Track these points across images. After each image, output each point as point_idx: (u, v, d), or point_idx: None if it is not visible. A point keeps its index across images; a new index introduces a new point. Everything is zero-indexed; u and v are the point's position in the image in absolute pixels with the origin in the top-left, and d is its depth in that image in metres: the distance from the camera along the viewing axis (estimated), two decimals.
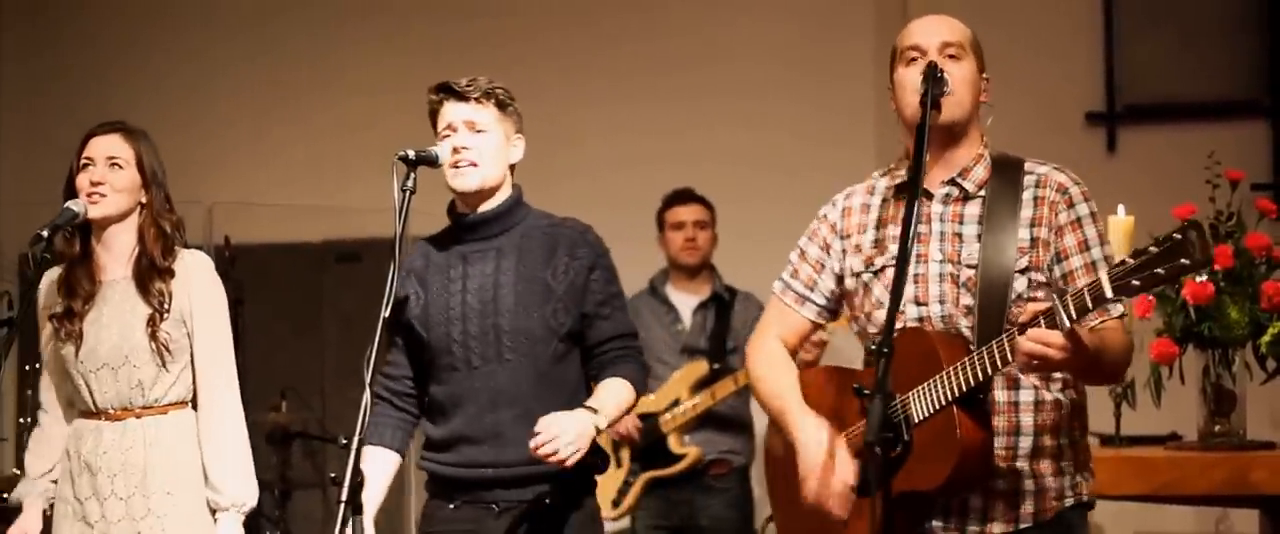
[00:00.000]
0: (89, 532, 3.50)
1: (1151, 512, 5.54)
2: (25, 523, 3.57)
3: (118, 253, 3.55)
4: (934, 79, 2.94)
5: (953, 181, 3.06)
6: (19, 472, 5.29)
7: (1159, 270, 2.63)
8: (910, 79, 3.01)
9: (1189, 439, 4.44)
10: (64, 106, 7.17)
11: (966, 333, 2.99)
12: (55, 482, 3.60)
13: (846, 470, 3.02)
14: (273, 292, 6.52)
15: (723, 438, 5.43)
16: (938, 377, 2.89)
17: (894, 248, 3.06)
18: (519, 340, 3.37)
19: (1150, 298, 4.18)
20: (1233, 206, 4.32)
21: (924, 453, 2.92)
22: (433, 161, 3.30)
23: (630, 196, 5.81)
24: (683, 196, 5.65)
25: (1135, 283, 2.65)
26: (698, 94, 6.80)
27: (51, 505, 3.59)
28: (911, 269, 3.01)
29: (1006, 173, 3.06)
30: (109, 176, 3.49)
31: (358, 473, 2.94)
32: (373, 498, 3.37)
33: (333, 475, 2.98)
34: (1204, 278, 4.09)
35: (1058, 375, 2.97)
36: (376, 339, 3.01)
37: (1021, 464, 3.01)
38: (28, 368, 5.21)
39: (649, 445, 5.43)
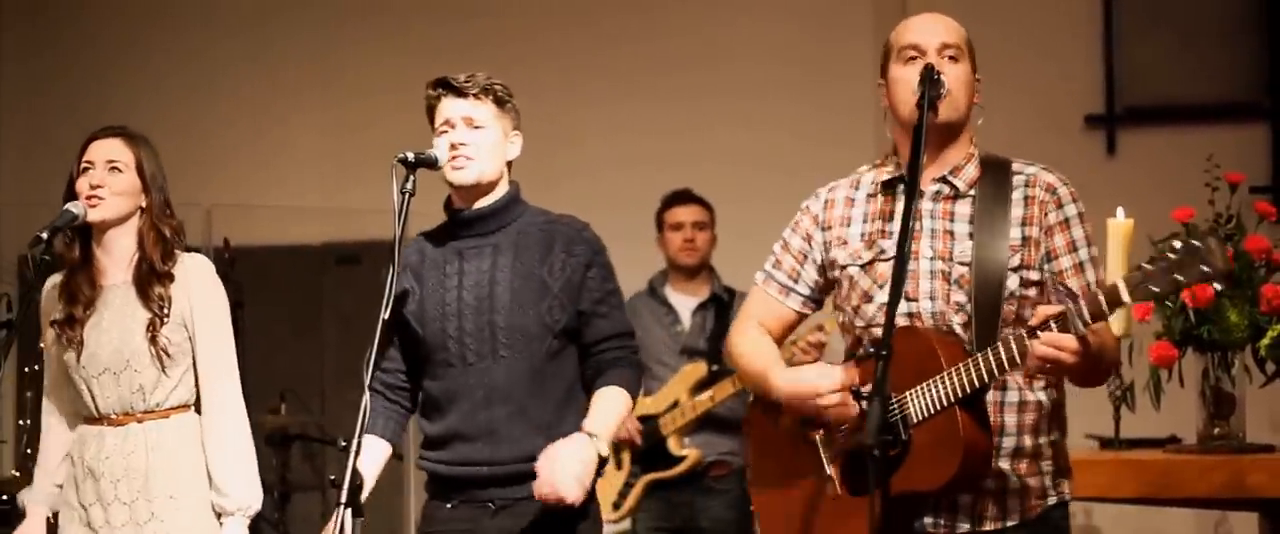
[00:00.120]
0: None
1: (1151, 514, 5.54)
2: (28, 530, 3.57)
3: (118, 257, 3.55)
4: (931, 81, 2.94)
5: (944, 179, 3.07)
6: (18, 473, 5.30)
7: (1178, 277, 2.65)
8: (908, 78, 3.01)
9: (1188, 442, 4.44)
10: (64, 107, 7.18)
11: (959, 330, 2.99)
12: (59, 486, 3.59)
13: (836, 373, 3.05)
14: (272, 294, 6.52)
15: (723, 440, 5.42)
16: (939, 377, 2.89)
17: (883, 243, 3.07)
18: (514, 337, 3.36)
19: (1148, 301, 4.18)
20: (1232, 209, 4.33)
21: (925, 453, 2.91)
22: (432, 164, 3.30)
23: (630, 197, 5.81)
24: (681, 197, 5.64)
25: (1154, 289, 2.67)
26: (698, 94, 6.80)
27: (56, 513, 3.59)
28: None
29: (995, 172, 3.07)
30: (108, 180, 3.49)
31: (357, 475, 2.94)
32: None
33: (332, 477, 2.98)
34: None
35: (1041, 376, 2.98)
36: (376, 341, 3.01)
37: (1008, 463, 3.02)
38: (28, 369, 5.20)
39: (649, 447, 5.43)
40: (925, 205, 3.05)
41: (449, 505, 3.43)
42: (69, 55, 7.44)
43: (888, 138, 3.13)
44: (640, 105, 6.85)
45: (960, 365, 2.88)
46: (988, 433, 2.94)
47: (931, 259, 3.03)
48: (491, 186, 3.43)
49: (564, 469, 3.19)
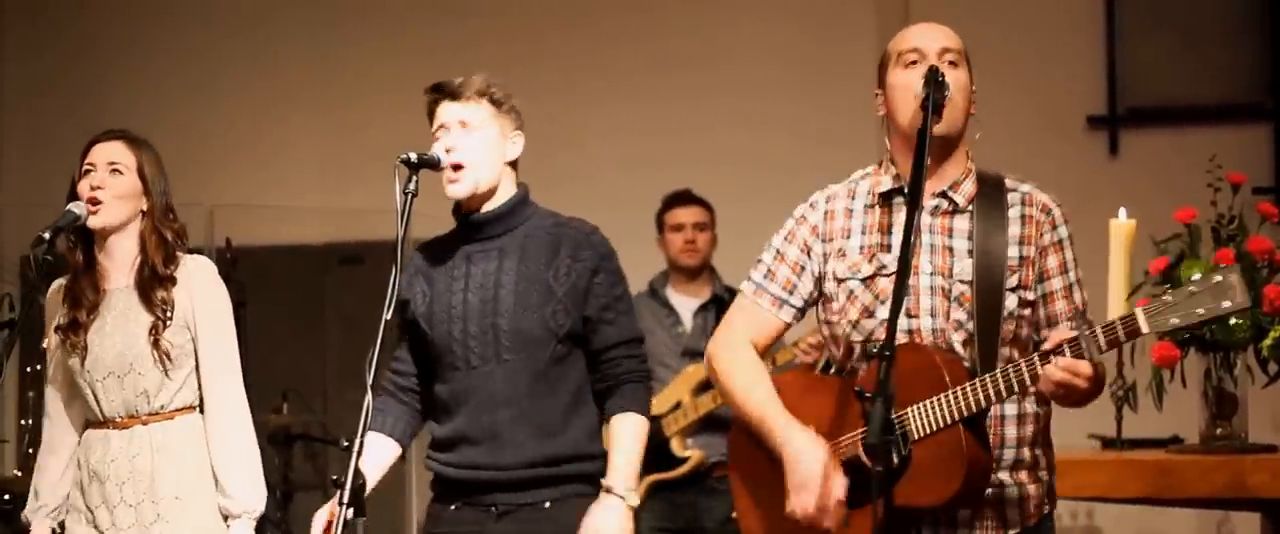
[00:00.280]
0: None
1: (1152, 515, 5.55)
2: None
3: (120, 261, 3.55)
4: (935, 83, 2.92)
5: (943, 194, 3.06)
6: (19, 473, 5.31)
7: (1199, 310, 2.68)
8: (909, 83, 2.99)
9: (1190, 442, 4.44)
10: (65, 107, 7.18)
11: (959, 348, 2.99)
12: (64, 496, 3.59)
13: (839, 486, 2.98)
14: (275, 294, 6.51)
15: (725, 441, 5.40)
16: (945, 395, 2.89)
17: (884, 257, 3.05)
18: (518, 340, 3.35)
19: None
20: (1234, 210, 4.33)
21: (926, 469, 2.91)
22: (435, 164, 3.30)
23: (630, 197, 5.81)
24: (682, 198, 5.64)
25: (1174, 321, 2.69)
26: (698, 94, 6.80)
27: (61, 524, 3.58)
28: None
29: (990, 189, 3.06)
30: (109, 182, 3.49)
31: (359, 475, 2.94)
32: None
33: (334, 477, 2.97)
34: None
35: (1034, 390, 2.97)
36: (378, 341, 3.00)
37: (1008, 475, 3.04)
38: (29, 369, 5.21)
39: (652, 448, 5.42)
40: (924, 220, 3.04)
41: (452, 508, 3.43)
42: (69, 55, 7.44)
43: (887, 147, 3.12)
44: (640, 105, 6.84)
45: (970, 384, 2.88)
46: (988, 450, 2.96)
47: (931, 275, 3.02)
48: (493, 190, 3.43)
49: None
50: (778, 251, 3.18)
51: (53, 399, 3.65)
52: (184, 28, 7.39)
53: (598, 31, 6.97)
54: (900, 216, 3.02)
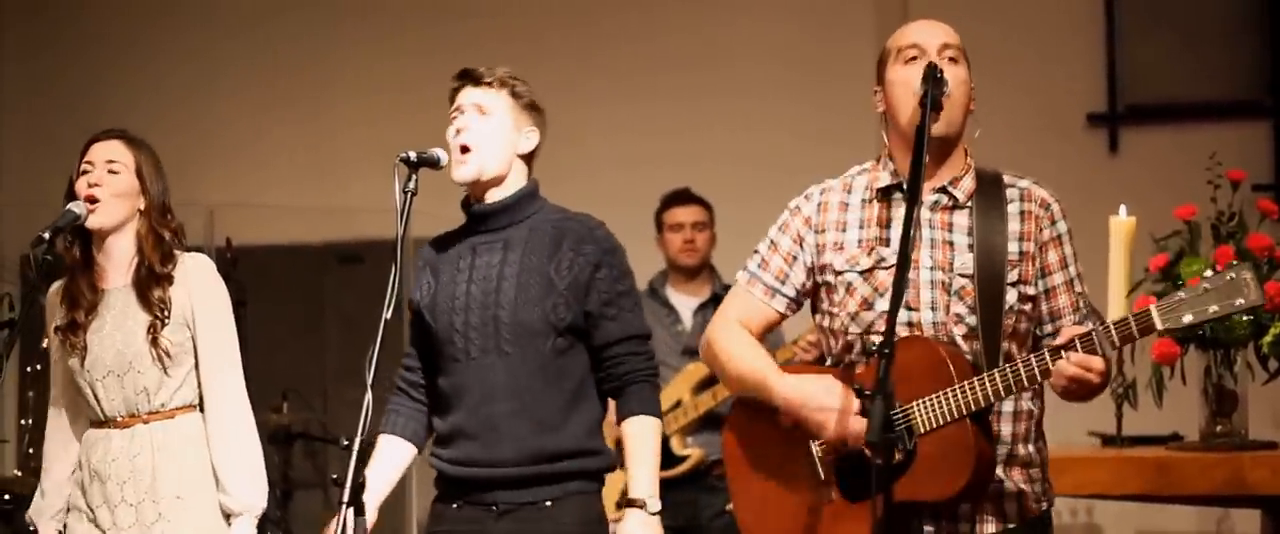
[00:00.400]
0: None
1: (1153, 511, 5.56)
2: None
3: (118, 261, 3.55)
4: (934, 79, 2.93)
5: (943, 190, 3.06)
6: (20, 473, 5.31)
7: (1213, 307, 2.69)
8: (908, 79, 3.00)
9: (1190, 439, 4.44)
10: (65, 107, 7.18)
11: (960, 342, 2.99)
12: (67, 499, 3.59)
13: (855, 403, 2.96)
14: (274, 293, 6.51)
15: None
16: (953, 389, 2.89)
17: (883, 251, 3.05)
18: (518, 333, 3.34)
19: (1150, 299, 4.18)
20: (1234, 207, 4.33)
21: (932, 464, 2.91)
22: (435, 163, 3.29)
23: (630, 196, 5.80)
24: (681, 197, 5.64)
25: (1187, 319, 2.70)
26: (697, 94, 6.81)
27: (65, 526, 3.58)
28: None
29: (989, 185, 3.07)
30: (106, 180, 3.48)
31: (359, 474, 2.94)
32: (379, 488, 3.37)
33: (334, 476, 2.97)
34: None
35: (1035, 386, 2.98)
36: (377, 341, 3.00)
37: (1004, 470, 3.04)
38: (29, 369, 5.21)
39: None
40: (924, 215, 3.04)
41: (454, 506, 3.42)
42: (69, 55, 7.44)
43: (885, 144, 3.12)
44: (640, 104, 6.85)
45: (979, 379, 2.88)
46: (993, 444, 2.97)
47: (931, 269, 3.02)
48: (501, 180, 3.42)
49: None
50: (772, 242, 3.19)
51: (56, 400, 3.65)
52: (183, 28, 7.39)
53: (598, 31, 6.98)
54: (899, 211, 3.02)
